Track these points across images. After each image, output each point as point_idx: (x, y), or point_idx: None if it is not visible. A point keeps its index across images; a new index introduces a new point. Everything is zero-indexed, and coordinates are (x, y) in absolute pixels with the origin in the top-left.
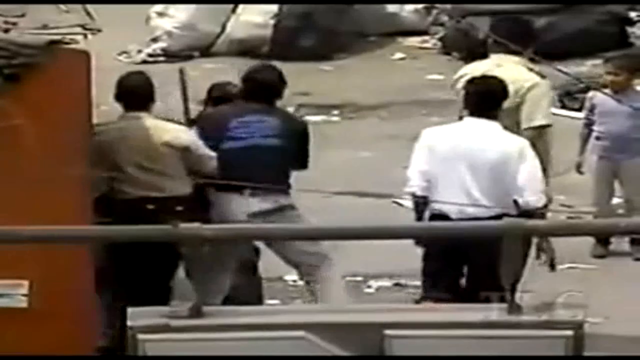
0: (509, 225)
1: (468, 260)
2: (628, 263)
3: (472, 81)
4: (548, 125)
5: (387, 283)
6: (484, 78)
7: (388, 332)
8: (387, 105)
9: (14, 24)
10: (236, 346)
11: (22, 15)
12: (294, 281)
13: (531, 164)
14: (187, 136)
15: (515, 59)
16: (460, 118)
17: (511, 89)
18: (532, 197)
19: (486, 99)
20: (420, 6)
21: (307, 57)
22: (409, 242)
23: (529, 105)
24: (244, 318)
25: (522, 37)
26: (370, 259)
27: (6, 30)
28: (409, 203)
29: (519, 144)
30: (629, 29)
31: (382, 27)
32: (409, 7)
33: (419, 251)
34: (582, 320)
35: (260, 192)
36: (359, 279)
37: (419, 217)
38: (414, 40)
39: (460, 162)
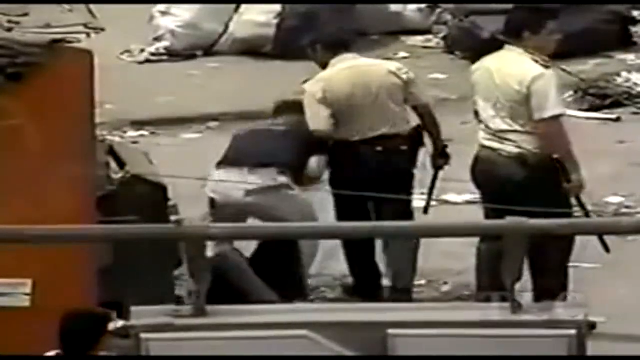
0: (511, 224)
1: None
2: (632, 262)
3: None
4: (561, 115)
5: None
6: None
7: (391, 331)
8: None
9: (17, 23)
10: (239, 345)
11: (25, 15)
12: None
13: None
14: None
15: (520, 50)
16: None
17: (514, 81)
18: None
19: None
20: (423, 5)
21: (310, 57)
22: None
23: (537, 97)
24: (247, 317)
25: (535, 26)
26: None
27: (9, 30)
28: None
29: None
30: (632, 29)
31: (385, 26)
32: (412, 6)
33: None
34: (585, 320)
35: (260, 170)
36: None
37: None
38: (417, 40)
39: None
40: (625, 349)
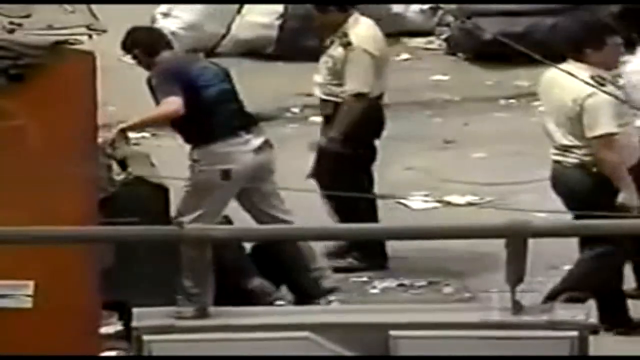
0: (513, 226)
1: None
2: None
3: None
4: (612, 134)
5: (391, 284)
6: None
7: (393, 332)
8: (391, 105)
9: (19, 24)
10: (241, 346)
11: (27, 16)
12: None
13: None
14: None
15: (581, 65)
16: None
17: (569, 97)
18: None
19: None
20: (425, 6)
21: (312, 58)
22: (412, 242)
23: (588, 114)
24: (249, 319)
25: (596, 42)
26: None
27: (11, 31)
28: (413, 204)
29: None
30: None
31: (387, 28)
32: (414, 8)
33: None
34: (587, 321)
35: (251, 128)
36: (364, 279)
37: None
38: (419, 41)
39: None
40: (626, 348)
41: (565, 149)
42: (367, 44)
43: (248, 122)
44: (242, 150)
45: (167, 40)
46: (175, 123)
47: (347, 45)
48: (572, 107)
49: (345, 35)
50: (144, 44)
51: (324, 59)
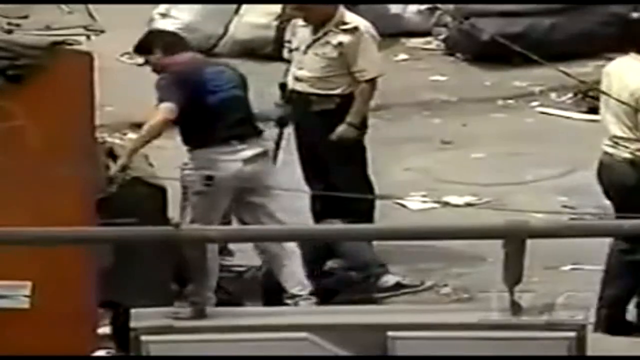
0: (511, 226)
1: None
2: None
3: None
4: None
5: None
6: None
7: (391, 333)
8: (389, 106)
9: (17, 25)
10: (239, 347)
11: (26, 17)
12: None
13: None
14: None
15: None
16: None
17: (626, 90)
18: None
19: None
20: (423, 7)
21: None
22: (411, 242)
23: None
24: (247, 319)
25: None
26: None
27: (9, 31)
28: (412, 204)
29: None
30: None
31: (385, 28)
32: (412, 8)
33: None
34: (585, 322)
35: (247, 139)
36: None
37: None
38: (417, 42)
39: None
40: (626, 348)
41: (618, 141)
42: (372, 29)
43: (247, 132)
44: (229, 158)
45: (185, 43)
46: (177, 124)
47: (354, 30)
48: (628, 99)
49: (345, 23)
50: (163, 45)
51: (321, 50)
